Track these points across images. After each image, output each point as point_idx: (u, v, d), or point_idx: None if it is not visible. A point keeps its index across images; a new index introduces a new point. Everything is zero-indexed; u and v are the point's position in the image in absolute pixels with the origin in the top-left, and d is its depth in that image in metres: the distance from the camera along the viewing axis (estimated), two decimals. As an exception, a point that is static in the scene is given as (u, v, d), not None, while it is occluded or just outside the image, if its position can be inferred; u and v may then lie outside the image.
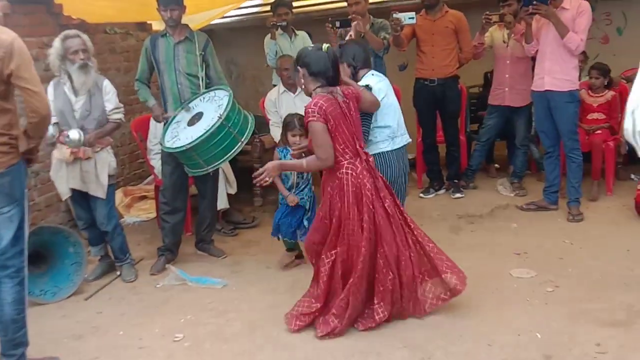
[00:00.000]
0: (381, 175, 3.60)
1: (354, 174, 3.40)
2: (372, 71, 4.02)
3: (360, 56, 3.95)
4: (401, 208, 3.61)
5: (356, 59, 3.92)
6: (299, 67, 3.52)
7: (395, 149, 3.91)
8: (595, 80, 5.65)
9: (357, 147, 3.46)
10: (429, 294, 3.57)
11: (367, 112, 3.74)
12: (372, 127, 3.85)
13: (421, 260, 3.57)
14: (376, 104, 3.75)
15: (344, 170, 3.42)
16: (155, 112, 4.61)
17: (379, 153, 3.87)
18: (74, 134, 4.11)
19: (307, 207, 4.43)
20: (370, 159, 3.53)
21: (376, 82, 3.88)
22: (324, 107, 3.33)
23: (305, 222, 4.37)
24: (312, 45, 3.58)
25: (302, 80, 3.53)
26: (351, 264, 3.43)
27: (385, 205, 3.45)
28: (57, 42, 4.18)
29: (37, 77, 3.05)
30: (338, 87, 3.48)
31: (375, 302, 3.47)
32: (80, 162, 4.25)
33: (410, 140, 4.07)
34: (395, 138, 3.92)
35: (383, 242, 3.42)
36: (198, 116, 4.28)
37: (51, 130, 4.04)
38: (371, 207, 3.40)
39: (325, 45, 3.48)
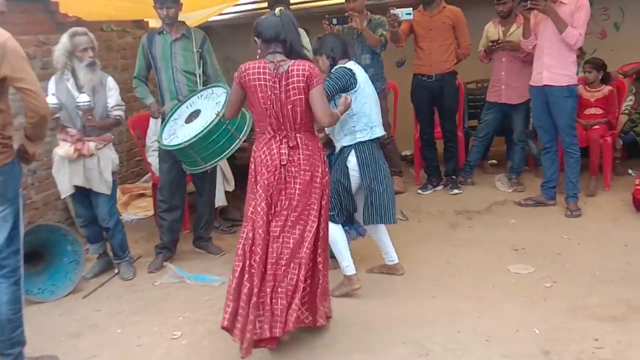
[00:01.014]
0: (305, 169, 3.21)
1: (257, 149, 3.23)
2: (352, 61, 3.97)
3: (338, 47, 3.92)
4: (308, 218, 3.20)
5: (334, 50, 3.89)
6: (255, 39, 3.27)
7: (373, 139, 3.88)
8: (588, 74, 5.65)
9: (277, 127, 3.18)
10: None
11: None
12: (351, 115, 3.78)
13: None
14: (323, 118, 3.21)
15: (255, 144, 3.27)
16: (152, 109, 4.61)
17: (358, 143, 3.83)
18: (84, 97, 4.10)
19: None
20: (293, 144, 3.19)
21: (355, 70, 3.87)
22: (246, 72, 3.15)
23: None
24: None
25: (259, 51, 3.27)
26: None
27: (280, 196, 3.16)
28: (65, 39, 4.18)
29: (34, 76, 3.03)
30: (290, 61, 3.16)
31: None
32: (84, 159, 4.26)
33: (384, 132, 4.04)
34: (373, 127, 3.89)
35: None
36: (195, 113, 4.27)
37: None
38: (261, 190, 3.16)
39: (277, 10, 3.26)
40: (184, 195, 4.80)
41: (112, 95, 4.37)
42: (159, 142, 4.41)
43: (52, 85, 4.25)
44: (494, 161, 6.65)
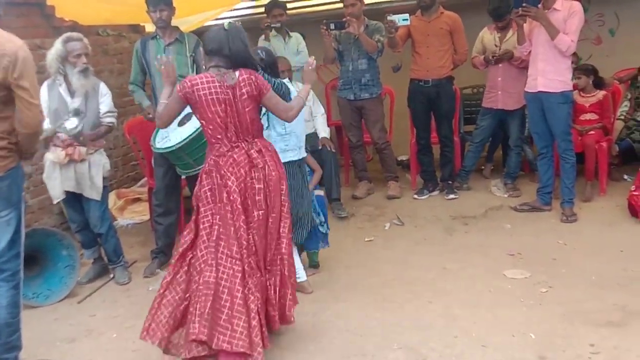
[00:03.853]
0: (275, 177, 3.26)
1: (219, 162, 3.16)
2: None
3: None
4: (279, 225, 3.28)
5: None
6: (200, 48, 3.41)
7: (300, 159, 3.94)
8: (578, 80, 5.62)
9: (236, 137, 3.19)
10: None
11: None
12: (283, 134, 3.81)
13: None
14: (287, 114, 3.39)
15: (212, 156, 3.20)
16: (147, 111, 4.61)
17: (289, 162, 3.80)
18: (72, 123, 4.12)
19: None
20: (258, 149, 3.24)
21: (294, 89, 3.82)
22: (194, 87, 3.11)
23: (320, 228, 4.24)
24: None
25: (203, 61, 3.32)
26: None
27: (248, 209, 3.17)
28: (58, 44, 4.17)
29: (38, 88, 3.06)
30: (237, 71, 3.20)
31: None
32: (75, 164, 4.25)
33: (305, 154, 4.06)
34: (300, 148, 3.94)
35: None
36: (188, 116, 4.27)
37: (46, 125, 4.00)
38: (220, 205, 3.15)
39: (226, 22, 3.27)
40: (179, 199, 4.80)
41: (105, 102, 4.37)
42: (151, 145, 4.42)
43: (44, 90, 4.23)
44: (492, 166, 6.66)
